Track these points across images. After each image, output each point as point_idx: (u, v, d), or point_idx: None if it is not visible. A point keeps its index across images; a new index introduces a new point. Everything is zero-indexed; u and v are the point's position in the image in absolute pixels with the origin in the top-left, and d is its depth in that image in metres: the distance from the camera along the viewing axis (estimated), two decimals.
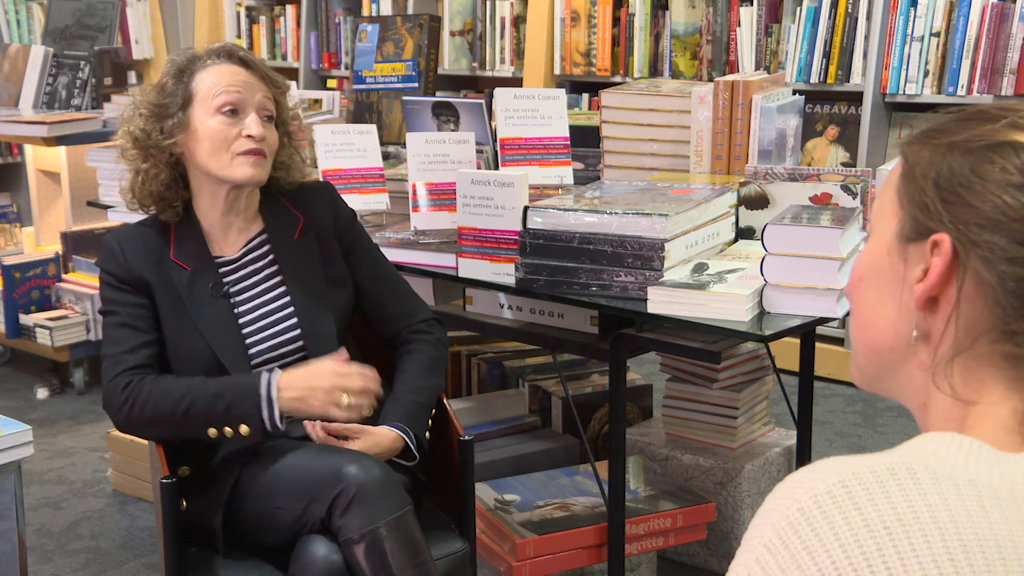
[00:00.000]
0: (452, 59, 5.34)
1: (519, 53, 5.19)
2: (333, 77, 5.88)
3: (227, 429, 1.96)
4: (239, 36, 6.25)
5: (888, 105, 4.17)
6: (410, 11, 5.43)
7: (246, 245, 2.13)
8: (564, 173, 2.80)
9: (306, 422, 2.00)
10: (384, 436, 2.03)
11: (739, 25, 4.46)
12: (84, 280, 4.24)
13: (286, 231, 2.15)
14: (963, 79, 3.93)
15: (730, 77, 2.66)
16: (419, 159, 2.67)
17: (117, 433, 3.36)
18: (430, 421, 2.13)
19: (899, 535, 0.75)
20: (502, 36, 5.24)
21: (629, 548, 2.45)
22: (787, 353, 3.22)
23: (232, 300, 2.08)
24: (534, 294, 2.28)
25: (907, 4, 4.05)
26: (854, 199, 2.35)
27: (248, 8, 6.23)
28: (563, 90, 2.89)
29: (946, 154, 0.87)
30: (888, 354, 0.91)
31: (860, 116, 4.18)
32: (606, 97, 2.83)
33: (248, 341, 2.07)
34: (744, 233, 2.45)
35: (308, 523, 1.91)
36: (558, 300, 2.27)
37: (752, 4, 4.43)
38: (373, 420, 2.06)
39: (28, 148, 4.72)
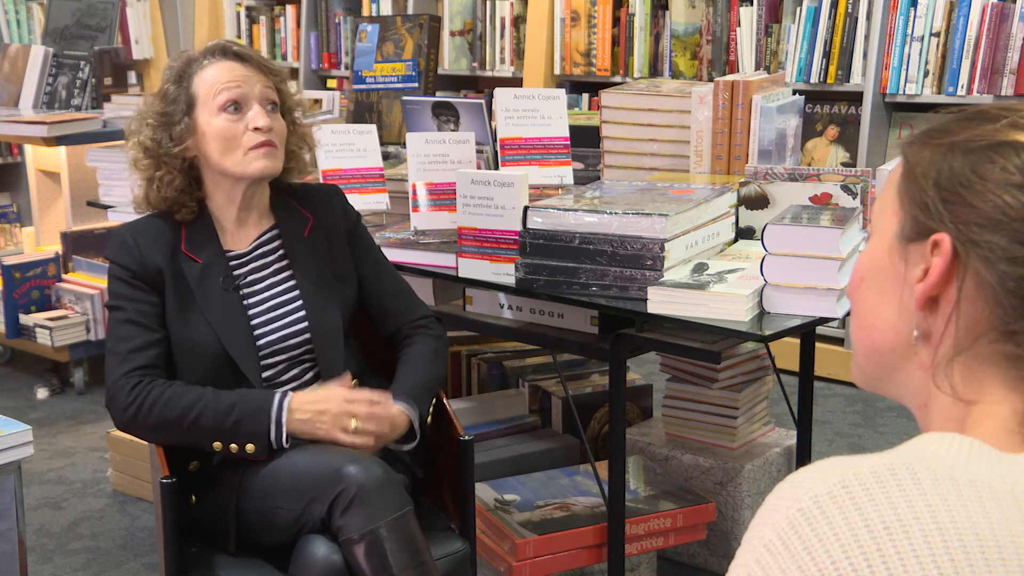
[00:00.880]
0: (452, 59, 5.34)
1: (519, 53, 5.19)
2: (333, 77, 5.88)
3: (233, 445, 1.96)
4: (239, 36, 6.25)
5: (888, 105, 4.17)
6: (410, 11, 5.43)
7: (257, 239, 2.14)
8: (564, 173, 2.80)
9: None
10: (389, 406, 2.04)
11: (739, 25, 4.46)
12: (84, 280, 4.24)
13: (296, 228, 2.16)
14: (963, 79, 3.93)
15: (730, 77, 2.66)
16: (419, 159, 2.66)
17: (117, 433, 3.36)
18: (431, 408, 2.14)
19: (899, 535, 0.75)
20: (502, 36, 5.24)
21: (629, 548, 2.45)
22: (787, 353, 3.22)
23: (242, 293, 2.08)
24: (534, 294, 2.28)
25: (907, 4, 4.05)
26: (854, 199, 2.35)
27: (248, 8, 6.24)
28: (563, 90, 2.89)
29: (947, 154, 0.87)
30: (889, 354, 0.91)
31: (860, 116, 4.18)
32: (606, 97, 2.83)
33: (256, 334, 2.07)
34: (744, 233, 2.45)
35: (308, 523, 1.91)
36: (558, 300, 2.27)
37: (752, 4, 4.43)
38: None
39: (28, 148, 4.72)
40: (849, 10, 4.20)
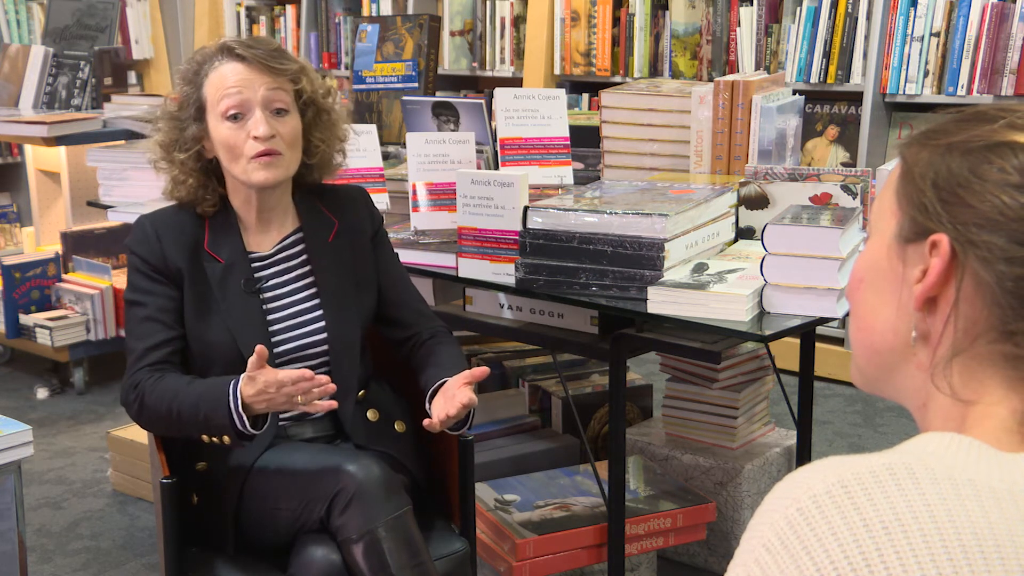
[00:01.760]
0: (452, 59, 5.34)
1: (519, 53, 5.19)
2: (333, 77, 5.88)
3: (214, 439, 1.95)
4: (239, 36, 6.25)
5: (888, 105, 4.17)
6: (410, 11, 5.43)
7: (281, 242, 2.10)
8: (564, 173, 2.80)
9: (426, 421, 1.94)
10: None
11: (739, 25, 4.46)
12: (84, 280, 4.24)
13: (321, 233, 2.12)
14: (963, 79, 3.93)
15: (730, 77, 2.66)
16: (419, 159, 2.66)
17: (117, 433, 3.36)
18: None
19: (898, 535, 0.75)
20: (502, 36, 5.24)
21: (629, 548, 2.45)
22: (787, 353, 3.22)
23: (262, 297, 2.06)
24: (534, 294, 2.28)
25: (907, 4, 4.05)
26: (854, 199, 2.35)
27: (248, 8, 6.24)
28: (563, 90, 2.89)
29: (945, 155, 0.87)
30: (888, 355, 0.91)
31: (860, 116, 4.18)
32: (606, 97, 2.83)
33: (274, 340, 2.04)
34: (744, 233, 2.45)
35: (307, 523, 1.91)
36: (558, 300, 2.27)
37: (752, 4, 4.43)
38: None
39: (28, 148, 4.72)
40: (849, 10, 4.20)
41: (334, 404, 1.90)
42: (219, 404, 1.88)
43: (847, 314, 1.02)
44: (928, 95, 4.02)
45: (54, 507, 3.29)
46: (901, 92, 4.08)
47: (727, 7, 4.50)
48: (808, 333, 2.81)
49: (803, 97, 2.90)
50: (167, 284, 2.01)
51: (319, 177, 2.15)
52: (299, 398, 1.85)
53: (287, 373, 1.83)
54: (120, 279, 4.19)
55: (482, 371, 1.95)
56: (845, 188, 2.36)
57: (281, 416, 2.05)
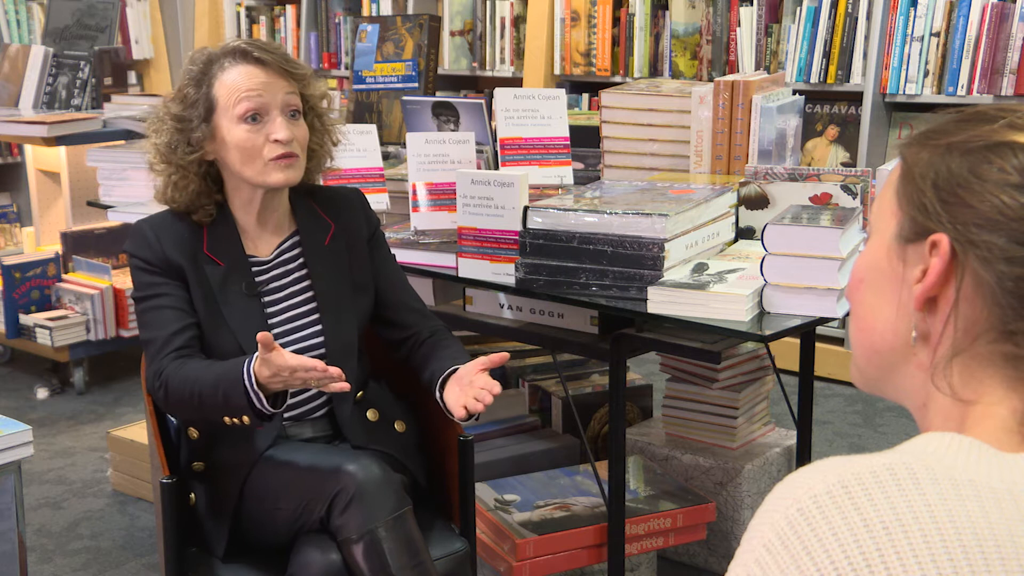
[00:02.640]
0: (452, 59, 5.34)
1: (519, 53, 5.19)
2: (333, 77, 5.88)
3: (235, 420, 1.94)
4: (239, 36, 6.25)
5: (888, 105, 4.17)
6: (410, 11, 5.43)
7: (279, 246, 2.10)
8: (564, 173, 2.80)
9: (455, 407, 1.94)
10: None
11: (739, 25, 4.46)
12: (84, 280, 4.24)
13: (318, 236, 2.12)
14: (963, 79, 3.93)
15: (730, 77, 2.66)
16: (419, 159, 2.67)
17: (117, 433, 3.36)
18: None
19: (898, 535, 0.75)
20: (502, 36, 5.24)
21: (629, 548, 2.45)
22: (787, 353, 3.22)
23: (263, 301, 2.06)
24: (534, 294, 2.28)
25: (907, 4, 4.05)
26: (854, 199, 2.35)
27: (248, 8, 6.24)
28: (563, 90, 2.89)
29: (945, 155, 0.87)
30: (888, 355, 0.91)
31: (860, 116, 4.18)
32: (606, 97, 2.83)
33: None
34: (744, 233, 2.45)
35: (307, 523, 1.91)
36: (558, 300, 2.27)
37: (752, 4, 4.43)
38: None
39: (28, 148, 4.72)
40: (849, 10, 4.20)
41: (347, 386, 1.87)
42: (237, 383, 1.87)
43: (847, 314, 1.02)
44: (928, 95, 4.02)
45: (54, 507, 3.29)
46: (901, 92, 4.08)
47: (727, 7, 4.50)
48: (808, 333, 2.81)
49: (803, 97, 2.90)
50: (174, 279, 2.01)
51: (312, 179, 2.16)
52: (312, 382, 1.84)
53: (299, 360, 1.81)
54: (120, 279, 4.19)
55: (501, 356, 1.95)
56: (845, 188, 2.36)
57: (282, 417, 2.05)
